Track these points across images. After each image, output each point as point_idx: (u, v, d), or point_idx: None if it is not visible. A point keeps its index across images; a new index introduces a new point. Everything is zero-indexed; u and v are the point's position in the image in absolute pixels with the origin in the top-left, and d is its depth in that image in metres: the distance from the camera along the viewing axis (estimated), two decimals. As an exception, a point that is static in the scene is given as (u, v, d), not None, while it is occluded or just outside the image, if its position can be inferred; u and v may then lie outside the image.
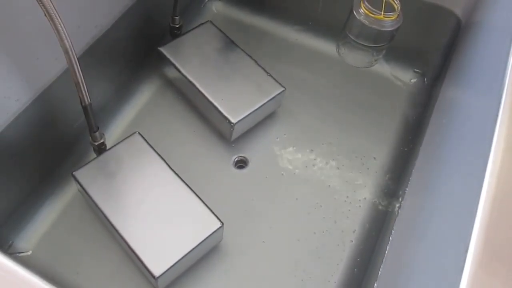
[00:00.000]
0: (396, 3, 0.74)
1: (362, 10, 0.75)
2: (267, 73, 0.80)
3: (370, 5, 0.74)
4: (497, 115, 0.40)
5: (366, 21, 0.74)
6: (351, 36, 0.80)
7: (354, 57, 0.87)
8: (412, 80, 0.90)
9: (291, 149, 0.81)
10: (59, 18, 0.48)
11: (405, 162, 0.78)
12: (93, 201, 0.65)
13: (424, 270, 0.44)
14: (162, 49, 0.82)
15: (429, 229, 0.50)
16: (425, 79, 0.89)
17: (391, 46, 0.88)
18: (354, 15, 0.76)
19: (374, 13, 0.73)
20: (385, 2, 0.74)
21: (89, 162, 0.68)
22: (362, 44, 0.81)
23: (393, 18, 0.73)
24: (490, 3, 0.71)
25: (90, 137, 0.67)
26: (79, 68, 0.55)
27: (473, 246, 0.33)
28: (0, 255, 0.34)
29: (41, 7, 0.47)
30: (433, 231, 0.49)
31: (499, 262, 0.32)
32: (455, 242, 0.36)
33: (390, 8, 0.74)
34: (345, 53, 0.88)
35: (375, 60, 0.87)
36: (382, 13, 0.73)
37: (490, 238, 0.34)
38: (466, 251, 0.32)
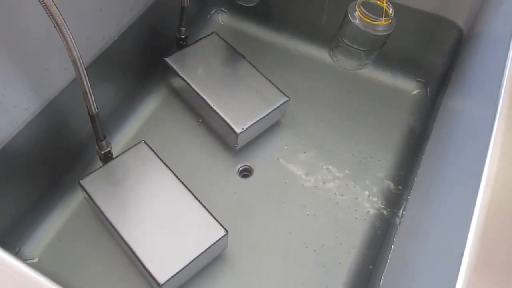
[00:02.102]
0: (390, 8, 0.75)
1: (357, 13, 0.75)
2: (272, 83, 0.81)
3: (365, 10, 0.75)
4: (492, 125, 0.41)
5: (360, 25, 0.75)
6: (344, 40, 0.81)
7: (346, 61, 0.88)
8: (415, 90, 0.91)
9: (295, 158, 0.81)
10: (68, 29, 0.50)
11: (408, 171, 0.79)
12: (99, 209, 0.66)
13: (423, 276, 0.44)
14: (168, 60, 0.83)
15: (429, 236, 0.51)
16: (428, 89, 0.90)
17: (396, 56, 0.89)
18: (349, 19, 0.77)
19: (369, 17, 0.74)
20: (379, 7, 0.75)
21: (95, 170, 0.69)
22: (355, 48, 0.81)
23: (387, 23, 0.74)
24: (491, 14, 0.72)
25: (96, 146, 0.68)
26: (86, 78, 0.56)
27: (468, 251, 0.33)
28: (12, 259, 0.35)
29: (50, 19, 0.48)
30: (432, 238, 0.49)
31: (493, 267, 0.33)
32: (451, 248, 0.37)
33: (384, 14, 0.75)
34: (336, 57, 0.89)
35: (365, 64, 0.88)
36: (383, 18, 0.74)
37: (485, 243, 0.34)
38: (462, 255, 0.33)
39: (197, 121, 0.84)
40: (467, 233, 0.35)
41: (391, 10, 0.75)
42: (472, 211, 0.36)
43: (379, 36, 0.76)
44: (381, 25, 0.74)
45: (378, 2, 0.76)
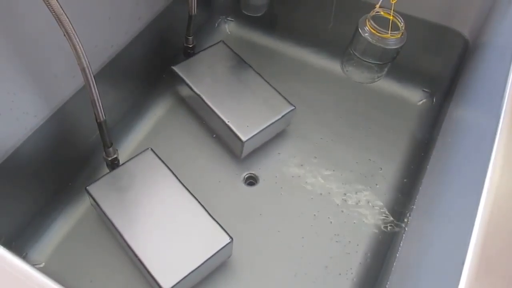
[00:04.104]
0: (401, 22, 0.75)
1: (367, 28, 0.76)
2: (278, 92, 0.82)
3: (376, 24, 0.75)
4: (494, 136, 0.41)
5: (371, 39, 0.76)
6: (355, 53, 0.82)
7: (358, 74, 0.88)
8: (421, 100, 0.91)
9: (300, 166, 0.81)
10: (77, 38, 0.51)
11: (413, 180, 0.79)
12: (105, 215, 0.66)
13: (426, 284, 0.44)
14: (175, 68, 0.84)
15: (432, 245, 0.51)
16: (434, 99, 0.90)
17: (401, 66, 0.90)
18: (360, 33, 0.77)
19: (379, 31, 0.74)
20: (390, 21, 0.76)
21: (102, 176, 0.70)
22: (366, 61, 0.82)
23: (397, 36, 0.75)
24: (497, 25, 0.72)
25: (104, 153, 0.69)
26: (95, 85, 0.57)
27: (469, 260, 0.34)
28: (20, 262, 0.35)
29: (60, 27, 0.49)
30: (435, 246, 0.49)
31: (494, 276, 0.33)
32: (453, 256, 0.37)
33: (394, 27, 0.76)
34: (349, 70, 0.89)
35: (378, 77, 0.88)
36: (389, 32, 0.75)
37: (486, 252, 0.34)
38: (463, 264, 0.33)
39: (203, 128, 0.85)
40: (469, 242, 0.35)
41: (401, 24, 0.75)
42: (474, 221, 0.36)
43: (390, 50, 0.76)
44: (392, 38, 0.75)
45: (384, 13, 0.76)
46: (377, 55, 0.80)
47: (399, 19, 0.75)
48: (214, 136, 0.84)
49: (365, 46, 0.78)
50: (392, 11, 0.75)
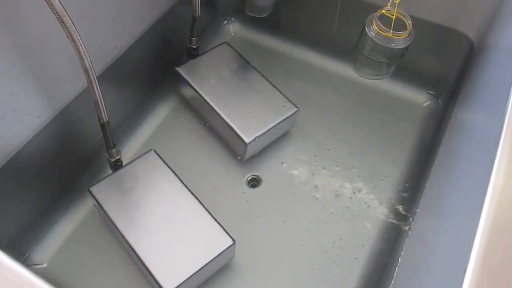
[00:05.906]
0: (408, 21, 0.75)
1: (373, 27, 0.75)
2: (281, 93, 0.82)
3: (382, 23, 0.75)
4: (498, 140, 0.41)
5: (377, 39, 0.75)
6: (363, 52, 0.82)
7: (366, 71, 0.88)
8: (426, 102, 0.91)
9: (304, 168, 0.81)
10: (80, 39, 0.51)
11: (417, 183, 0.78)
12: (108, 216, 0.66)
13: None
14: (179, 69, 0.84)
15: (434, 251, 0.50)
16: (439, 101, 0.90)
17: (406, 67, 0.89)
18: (366, 32, 0.77)
19: (385, 31, 0.74)
20: (397, 20, 0.75)
21: (105, 178, 0.70)
22: (373, 60, 0.82)
23: (404, 36, 0.74)
24: (502, 26, 0.72)
25: (107, 154, 0.69)
26: (98, 87, 0.57)
27: (471, 267, 0.33)
28: (20, 267, 0.35)
29: (63, 29, 0.49)
30: (437, 252, 0.49)
31: (495, 284, 0.32)
32: (455, 263, 0.37)
33: (401, 26, 0.75)
34: (358, 67, 0.89)
35: (386, 74, 0.88)
36: (391, 31, 0.74)
37: (488, 260, 0.34)
38: (465, 271, 0.33)
39: (207, 130, 0.85)
40: (471, 249, 0.34)
41: (409, 23, 0.75)
42: (476, 227, 0.36)
43: (396, 49, 0.76)
44: (398, 38, 0.74)
45: (385, 12, 0.76)
46: (384, 54, 0.80)
47: (407, 18, 0.75)
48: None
49: (371, 45, 0.78)
50: (395, 10, 0.74)
